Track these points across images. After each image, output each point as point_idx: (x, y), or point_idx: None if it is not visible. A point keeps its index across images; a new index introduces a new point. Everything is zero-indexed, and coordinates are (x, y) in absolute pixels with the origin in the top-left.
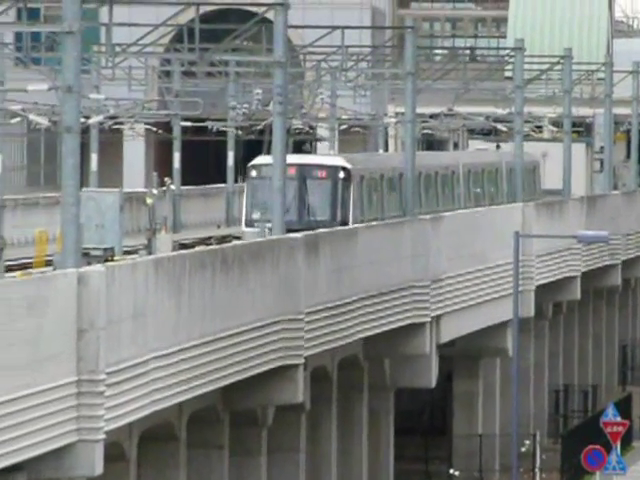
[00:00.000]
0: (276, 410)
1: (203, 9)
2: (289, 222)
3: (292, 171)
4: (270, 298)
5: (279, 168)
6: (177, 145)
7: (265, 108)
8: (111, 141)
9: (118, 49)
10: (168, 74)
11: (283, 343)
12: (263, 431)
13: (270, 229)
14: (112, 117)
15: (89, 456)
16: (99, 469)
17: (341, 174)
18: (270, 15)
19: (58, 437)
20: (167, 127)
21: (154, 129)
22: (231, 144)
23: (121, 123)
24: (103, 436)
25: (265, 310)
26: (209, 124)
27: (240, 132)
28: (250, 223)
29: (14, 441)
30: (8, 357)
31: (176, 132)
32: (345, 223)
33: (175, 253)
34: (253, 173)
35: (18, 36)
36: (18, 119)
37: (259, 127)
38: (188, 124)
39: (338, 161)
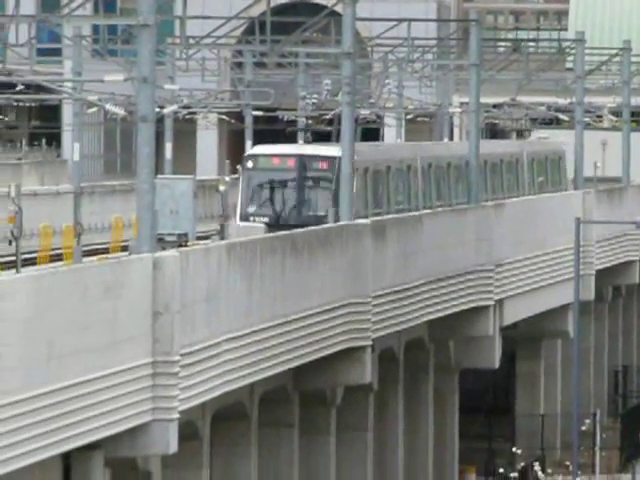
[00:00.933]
0: (345, 390)
1: (274, 2)
2: (286, 217)
3: (290, 162)
4: (339, 282)
5: (347, 157)
6: (249, 134)
7: (334, 98)
8: (185, 130)
9: (192, 41)
10: (240, 65)
11: (351, 325)
12: (332, 410)
13: (266, 224)
14: (186, 107)
15: (164, 435)
16: (173, 447)
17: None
18: (339, 8)
19: (134, 416)
20: (239, 116)
21: (226, 118)
22: (300, 133)
23: (195, 113)
24: (177, 415)
25: (334, 293)
26: (280, 114)
27: (310, 121)
28: (245, 217)
29: (91, 420)
30: (86, 340)
31: (248, 121)
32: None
33: (247, 238)
34: (249, 164)
35: (95, 29)
36: (95, 109)
37: (328, 116)
38: (259, 113)
39: (339, 151)
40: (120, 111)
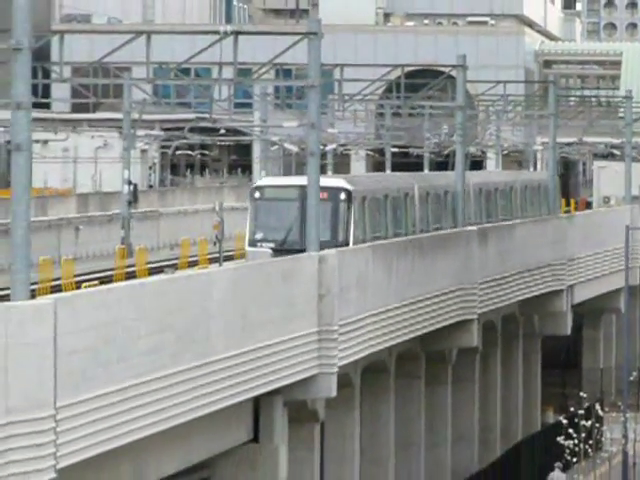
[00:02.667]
0: (458, 351)
1: (406, 69)
2: (290, 242)
3: (294, 192)
4: (453, 272)
5: (460, 181)
6: (388, 164)
7: (450, 139)
8: (341, 162)
9: (347, 97)
10: (382, 115)
11: (462, 304)
12: (449, 367)
13: (272, 249)
14: (342, 145)
15: (327, 383)
16: (334, 392)
17: (342, 195)
18: (453, 73)
19: (305, 370)
20: (381, 152)
21: (371, 153)
22: (426, 164)
23: (349, 149)
24: (336, 369)
25: (450, 281)
26: (411, 150)
27: (432, 155)
28: (253, 243)
29: (274, 373)
30: (269, 314)
31: (387, 155)
32: (346, 244)
33: (386, 241)
34: (257, 194)
35: (276, 88)
36: (276, 147)
37: (445, 152)
38: (395, 150)
39: (339, 182)
40: (294, 148)
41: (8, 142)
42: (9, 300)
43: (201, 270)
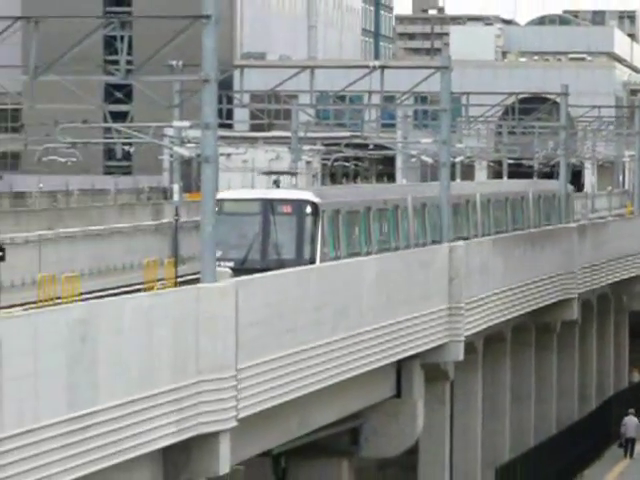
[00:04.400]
0: (561, 324)
1: (519, 96)
2: (251, 262)
3: (256, 206)
4: (558, 260)
5: (564, 189)
6: (504, 172)
7: (555, 152)
8: (467, 172)
9: (472, 119)
10: (500, 133)
11: (565, 285)
12: (554, 336)
13: (232, 268)
14: (468, 157)
15: (456, 349)
16: (461, 357)
17: (308, 209)
18: (558, 99)
19: (439, 338)
20: (499, 163)
21: (492, 164)
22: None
23: (473, 161)
24: (463, 338)
25: (555, 267)
26: (524, 162)
27: (540, 166)
28: None
29: (413, 341)
30: (409, 294)
31: (504, 166)
32: (312, 262)
33: (503, 235)
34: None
35: (416, 112)
36: (415, 159)
37: (551, 163)
38: (511, 161)
39: (305, 195)
40: (429, 160)
41: (198, 155)
42: (199, 283)
43: (354, 259)
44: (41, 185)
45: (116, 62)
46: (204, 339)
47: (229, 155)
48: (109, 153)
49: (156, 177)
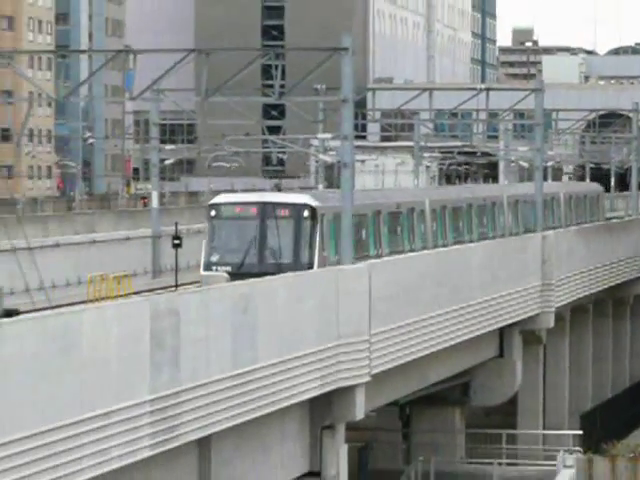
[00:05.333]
0: (634, 297)
1: (599, 112)
2: (248, 266)
3: (253, 210)
4: (631, 246)
5: (636, 195)
6: (587, 173)
7: (628, 158)
8: (557, 174)
9: (560, 131)
10: (583, 142)
11: (636, 266)
12: (627, 308)
13: (228, 272)
14: (557, 162)
15: (548, 318)
16: (552, 324)
17: (305, 213)
18: (631, 115)
19: (533, 309)
20: (582, 168)
21: (577, 168)
22: (612, 176)
23: (561, 165)
24: (554, 309)
25: (629, 251)
26: (603, 166)
27: (617, 169)
28: (208, 266)
29: (513, 312)
30: (509, 273)
31: (587, 170)
32: (310, 266)
33: (585, 226)
34: (212, 213)
35: (514, 126)
36: (514, 164)
37: (625, 167)
38: (592, 166)
39: (302, 198)
40: (526, 164)
41: (339, 161)
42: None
43: (465, 245)
44: (212, 185)
45: (271, 86)
46: (343, 310)
47: (363, 161)
48: (266, 160)
49: (304, 179)
